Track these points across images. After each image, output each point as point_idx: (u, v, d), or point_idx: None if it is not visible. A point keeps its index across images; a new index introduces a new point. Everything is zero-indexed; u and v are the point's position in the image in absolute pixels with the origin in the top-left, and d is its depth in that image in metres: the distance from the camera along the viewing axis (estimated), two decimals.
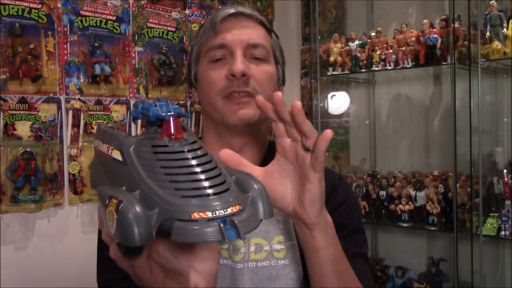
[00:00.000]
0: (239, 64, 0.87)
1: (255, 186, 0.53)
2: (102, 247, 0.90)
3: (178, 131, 0.50)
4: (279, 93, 0.67)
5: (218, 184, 0.48)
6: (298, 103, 0.66)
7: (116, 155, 0.52)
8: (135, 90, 1.97)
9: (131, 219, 0.45)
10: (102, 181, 0.56)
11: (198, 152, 0.50)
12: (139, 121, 1.92)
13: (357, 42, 2.38)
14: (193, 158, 0.49)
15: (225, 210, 0.47)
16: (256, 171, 0.73)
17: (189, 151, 0.49)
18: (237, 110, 0.88)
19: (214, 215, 0.46)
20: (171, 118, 0.50)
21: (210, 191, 0.47)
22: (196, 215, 0.46)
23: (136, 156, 0.50)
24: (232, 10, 0.91)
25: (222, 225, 0.46)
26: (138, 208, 0.46)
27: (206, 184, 0.47)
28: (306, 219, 0.71)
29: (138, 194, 0.48)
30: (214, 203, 0.46)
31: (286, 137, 0.72)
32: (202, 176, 0.48)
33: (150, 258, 0.54)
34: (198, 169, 0.48)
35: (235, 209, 0.47)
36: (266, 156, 0.99)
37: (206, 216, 0.46)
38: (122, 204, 0.46)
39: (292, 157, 0.72)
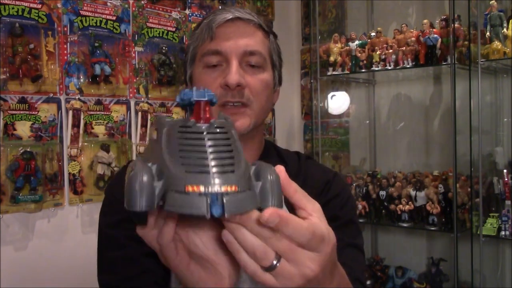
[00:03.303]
0: (234, 74, 0.86)
1: (268, 176, 0.54)
2: (103, 247, 0.90)
3: (207, 115, 0.53)
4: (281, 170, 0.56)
5: (225, 164, 0.50)
6: None
7: (155, 135, 0.55)
8: (135, 90, 1.97)
9: (134, 185, 0.49)
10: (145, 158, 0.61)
11: (218, 135, 0.52)
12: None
13: (357, 42, 2.38)
14: (210, 139, 0.51)
15: (219, 187, 0.48)
16: None
17: (208, 133, 0.51)
18: (233, 122, 0.88)
19: (206, 190, 0.48)
20: (201, 103, 0.53)
21: (213, 169, 0.49)
22: (189, 188, 0.48)
23: (167, 135, 0.53)
24: (229, 16, 0.90)
25: (209, 200, 0.48)
26: (145, 177, 0.49)
27: (211, 162, 0.49)
28: None
29: (155, 167, 0.51)
30: (211, 180, 0.48)
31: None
32: (211, 156, 0.50)
33: (178, 241, 0.55)
34: (209, 149, 0.50)
35: (230, 189, 0.49)
36: (262, 155, 0.99)
37: (197, 190, 0.48)
38: (132, 172, 0.50)
39: None
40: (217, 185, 0.48)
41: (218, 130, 0.52)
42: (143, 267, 0.71)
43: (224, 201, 0.48)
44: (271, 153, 1.01)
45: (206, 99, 0.53)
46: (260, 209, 0.53)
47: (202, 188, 0.48)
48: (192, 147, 0.50)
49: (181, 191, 0.48)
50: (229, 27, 0.90)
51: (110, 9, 1.89)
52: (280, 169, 0.56)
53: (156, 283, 0.66)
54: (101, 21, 1.85)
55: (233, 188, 0.49)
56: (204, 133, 0.51)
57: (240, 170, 0.51)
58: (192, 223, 0.57)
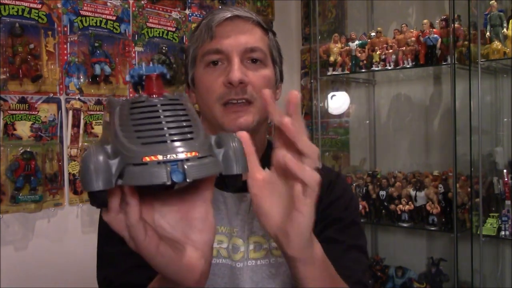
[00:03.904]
0: (236, 72, 0.86)
1: (231, 143, 0.53)
2: (102, 242, 0.91)
3: (159, 89, 0.52)
4: (266, 91, 0.62)
5: (182, 132, 0.49)
6: (294, 99, 0.60)
7: (107, 117, 0.54)
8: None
9: (89, 165, 0.47)
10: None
11: (173, 106, 0.51)
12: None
13: (357, 42, 2.38)
14: (165, 110, 0.50)
15: (177, 154, 0.47)
16: (258, 175, 0.65)
17: (162, 105, 0.50)
18: (236, 119, 0.88)
19: (164, 158, 0.47)
20: (152, 76, 0.51)
21: (170, 138, 0.48)
22: (147, 159, 0.47)
23: (118, 114, 0.51)
24: (228, 14, 0.90)
25: (169, 168, 0.46)
26: (100, 156, 0.47)
27: (168, 132, 0.48)
28: (288, 251, 0.64)
29: (110, 147, 0.49)
30: (169, 147, 0.47)
31: (283, 149, 0.63)
32: (167, 125, 0.49)
33: (145, 222, 0.53)
34: (165, 119, 0.49)
35: (189, 155, 0.48)
36: (264, 156, 0.99)
37: (156, 159, 0.46)
38: (86, 151, 0.48)
39: (284, 176, 0.63)
40: (175, 152, 0.47)
41: (172, 103, 0.51)
42: (139, 261, 0.71)
43: (185, 166, 0.47)
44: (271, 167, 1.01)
45: (156, 72, 0.52)
46: (224, 176, 0.53)
47: (160, 157, 0.47)
48: (147, 120, 0.49)
49: (138, 162, 0.47)
50: (228, 26, 0.90)
51: (110, 9, 1.89)
52: (243, 135, 0.58)
53: (150, 278, 0.66)
54: (101, 21, 1.85)
55: (193, 154, 0.48)
56: (158, 105, 0.50)
57: (199, 138, 0.50)
58: (157, 206, 0.56)
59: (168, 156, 0.47)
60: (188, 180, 0.47)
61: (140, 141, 0.48)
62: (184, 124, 0.50)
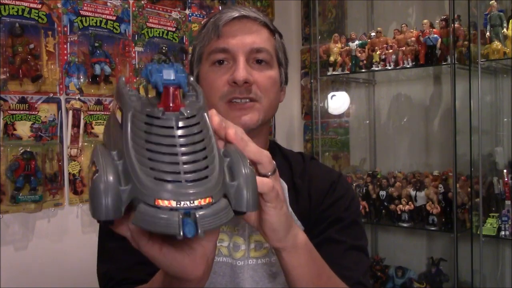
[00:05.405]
0: (241, 71, 0.86)
1: (243, 171, 0.51)
2: (103, 238, 0.91)
3: (176, 103, 0.48)
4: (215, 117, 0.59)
5: (198, 170, 0.46)
6: (231, 133, 0.58)
7: (119, 116, 0.50)
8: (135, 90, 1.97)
9: (99, 192, 0.45)
10: (107, 140, 0.55)
11: (190, 128, 0.48)
12: None
13: (357, 42, 2.38)
14: (180, 136, 0.47)
15: (192, 201, 0.45)
16: None
17: (179, 128, 0.47)
18: (240, 116, 0.88)
19: (178, 205, 0.44)
20: (169, 89, 0.48)
21: (185, 176, 0.45)
22: (160, 202, 0.44)
23: (131, 122, 0.48)
24: (235, 14, 0.90)
25: (181, 217, 0.44)
26: (110, 182, 0.45)
27: (184, 168, 0.46)
28: (270, 243, 0.67)
29: (121, 164, 0.47)
30: (183, 192, 0.45)
31: None
32: (183, 158, 0.46)
33: None
34: (181, 150, 0.46)
35: (203, 202, 0.46)
36: None
37: (169, 205, 0.44)
38: (96, 174, 0.46)
39: None
40: (190, 199, 0.45)
41: (189, 123, 0.48)
42: (139, 258, 0.72)
43: (197, 216, 0.45)
44: (276, 154, 1.01)
45: (173, 83, 0.48)
46: (235, 212, 0.51)
47: (173, 203, 0.44)
48: (161, 147, 0.46)
49: (150, 204, 0.45)
50: (235, 25, 0.90)
51: (110, 9, 1.89)
52: (213, 112, 0.56)
53: (151, 275, 0.66)
54: (101, 21, 1.85)
55: (207, 200, 0.46)
56: (175, 127, 0.47)
57: (214, 173, 0.48)
58: None
59: (182, 203, 0.44)
60: (198, 235, 0.45)
61: (153, 174, 0.45)
62: (201, 155, 0.47)
